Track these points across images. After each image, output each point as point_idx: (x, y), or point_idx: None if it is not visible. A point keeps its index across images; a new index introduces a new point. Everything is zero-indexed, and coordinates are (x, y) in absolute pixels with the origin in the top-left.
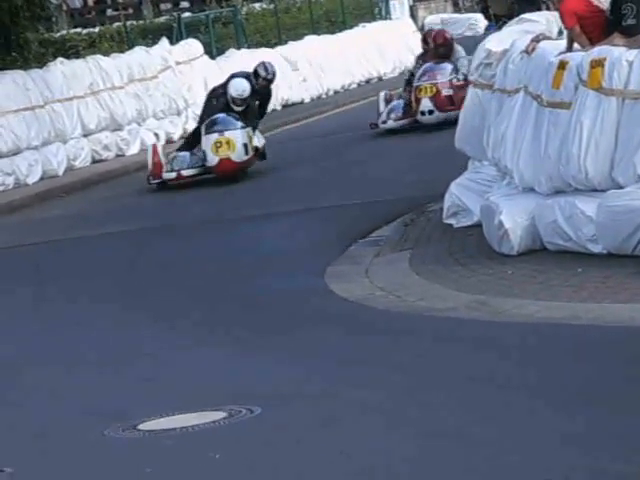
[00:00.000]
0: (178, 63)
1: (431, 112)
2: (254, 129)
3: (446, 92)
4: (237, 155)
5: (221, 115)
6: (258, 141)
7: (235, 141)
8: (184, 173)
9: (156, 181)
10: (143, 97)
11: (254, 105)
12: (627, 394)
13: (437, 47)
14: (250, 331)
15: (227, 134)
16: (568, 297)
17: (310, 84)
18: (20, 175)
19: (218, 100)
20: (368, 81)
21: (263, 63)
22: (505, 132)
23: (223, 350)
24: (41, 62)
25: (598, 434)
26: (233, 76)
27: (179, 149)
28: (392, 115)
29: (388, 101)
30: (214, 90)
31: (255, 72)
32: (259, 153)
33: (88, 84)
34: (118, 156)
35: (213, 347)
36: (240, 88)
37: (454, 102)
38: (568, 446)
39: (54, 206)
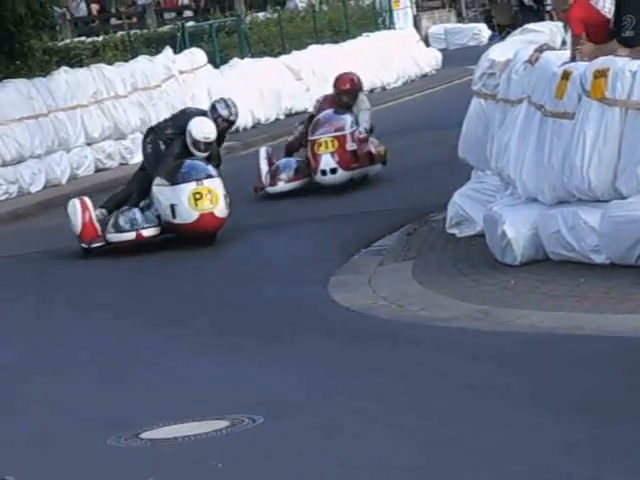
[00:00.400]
0: (182, 72)
1: (334, 171)
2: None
3: (350, 146)
4: (220, 209)
5: (187, 161)
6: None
7: (217, 192)
8: (145, 233)
9: (98, 244)
10: (147, 106)
11: (217, 150)
12: (629, 404)
13: (340, 93)
14: (253, 340)
15: (207, 183)
16: (571, 307)
17: (313, 93)
18: (24, 184)
19: (170, 144)
20: (372, 91)
21: (224, 100)
22: (508, 142)
23: (225, 358)
24: (45, 71)
25: (600, 444)
26: (185, 114)
27: (104, 206)
28: (282, 175)
29: (270, 159)
30: (154, 131)
31: (213, 109)
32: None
33: (92, 93)
34: (122, 165)
35: (216, 355)
36: (207, 130)
37: (358, 159)
38: (569, 455)
39: (57, 215)
